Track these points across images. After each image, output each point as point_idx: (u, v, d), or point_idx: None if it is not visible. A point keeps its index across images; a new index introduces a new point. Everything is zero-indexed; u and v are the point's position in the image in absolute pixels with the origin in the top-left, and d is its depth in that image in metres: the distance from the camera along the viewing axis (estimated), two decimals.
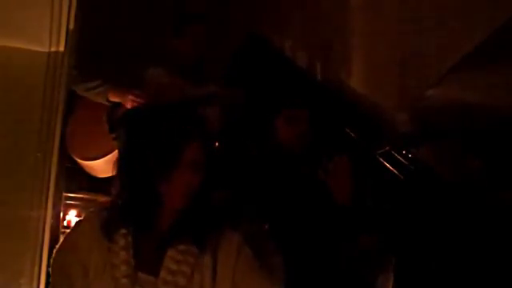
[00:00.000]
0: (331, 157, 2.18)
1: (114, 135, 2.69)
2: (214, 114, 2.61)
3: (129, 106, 2.58)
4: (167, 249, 1.40)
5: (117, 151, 2.72)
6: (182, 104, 2.51)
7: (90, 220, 1.46)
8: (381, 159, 2.64)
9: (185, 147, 1.39)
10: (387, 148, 2.61)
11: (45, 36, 1.67)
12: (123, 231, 1.41)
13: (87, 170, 2.99)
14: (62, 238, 1.68)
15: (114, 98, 2.64)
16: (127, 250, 1.39)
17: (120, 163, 1.48)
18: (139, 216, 1.41)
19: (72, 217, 3.11)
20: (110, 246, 1.40)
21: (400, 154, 2.62)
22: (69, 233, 1.48)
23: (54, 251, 1.46)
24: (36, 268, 1.64)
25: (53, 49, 1.68)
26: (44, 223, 1.67)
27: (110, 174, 2.95)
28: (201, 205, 1.43)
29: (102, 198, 3.08)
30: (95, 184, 3.07)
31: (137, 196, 1.40)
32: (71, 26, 1.69)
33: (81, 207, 3.15)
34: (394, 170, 2.62)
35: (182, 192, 1.40)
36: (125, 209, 1.42)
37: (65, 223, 3.05)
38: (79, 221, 1.50)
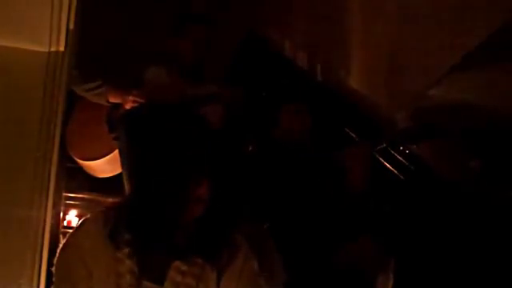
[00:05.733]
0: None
1: (114, 135, 2.70)
2: (215, 112, 2.61)
3: (128, 107, 2.58)
4: (174, 259, 1.38)
5: (117, 151, 2.74)
6: (182, 104, 2.52)
7: (96, 221, 1.43)
8: (380, 158, 2.64)
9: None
10: (384, 145, 2.62)
11: (45, 36, 1.67)
12: (128, 237, 1.38)
13: (87, 169, 2.99)
14: (62, 238, 1.67)
15: (114, 99, 2.64)
16: (132, 257, 1.37)
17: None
18: (149, 225, 1.37)
19: (72, 217, 3.12)
20: (115, 252, 1.38)
21: (398, 150, 2.62)
22: (73, 232, 1.45)
23: (58, 250, 1.43)
24: (36, 268, 1.64)
25: (53, 49, 1.68)
26: (44, 223, 1.67)
27: (110, 174, 2.97)
28: (212, 219, 1.41)
29: (102, 198, 3.08)
30: (95, 184, 3.08)
31: (149, 203, 1.37)
32: (71, 26, 1.69)
33: (81, 207, 3.15)
34: (394, 170, 2.62)
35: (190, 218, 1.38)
36: (134, 215, 1.39)
37: (65, 223, 3.05)
38: (84, 220, 1.46)
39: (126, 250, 1.38)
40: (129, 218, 1.39)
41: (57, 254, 1.43)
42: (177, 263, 1.38)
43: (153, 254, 1.39)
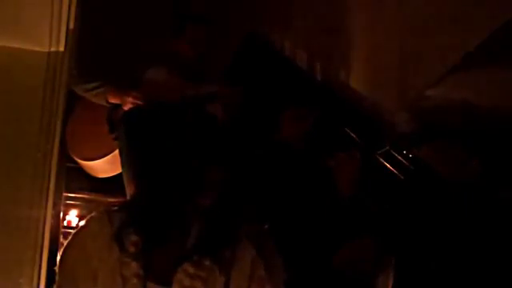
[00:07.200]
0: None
1: (114, 135, 2.70)
2: (215, 111, 2.61)
3: (126, 108, 2.58)
4: (182, 261, 1.36)
5: (117, 151, 2.74)
6: (182, 104, 2.53)
7: (100, 221, 1.40)
8: (380, 159, 2.65)
9: (207, 172, 1.36)
10: (387, 148, 2.62)
11: (45, 36, 1.66)
12: (135, 238, 1.36)
13: (87, 170, 3.00)
14: (62, 238, 1.66)
15: (114, 100, 2.64)
16: (138, 260, 1.34)
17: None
18: (156, 226, 1.36)
19: (72, 217, 3.12)
20: (120, 254, 1.35)
21: (400, 153, 2.62)
22: (77, 231, 1.42)
23: (62, 249, 1.41)
24: (36, 268, 1.64)
25: (53, 49, 1.68)
26: (44, 223, 1.66)
27: (110, 174, 2.98)
28: (220, 218, 1.40)
29: (103, 198, 3.09)
30: (95, 184, 3.08)
31: (157, 204, 1.36)
32: (71, 26, 1.69)
33: (81, 207, 3.15)
34: (394, 170, 2.62)
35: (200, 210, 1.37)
36: (144, 215, 1.37)
37: (65, 223, 3.06)
38: (89, 219, 1.43)
39: (132, 252, 1.35)
40: (138, 218, 1.38)
41: (61, 254, 1.41)
42: (185, 265, 1.36)
43: (162, 254, 1.38)
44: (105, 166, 2.92)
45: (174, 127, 1.42)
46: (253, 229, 1.52)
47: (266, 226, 2.12)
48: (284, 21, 3.44)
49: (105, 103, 2.66)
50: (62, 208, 2.55)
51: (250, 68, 3.36)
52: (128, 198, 2.32)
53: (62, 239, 1.85)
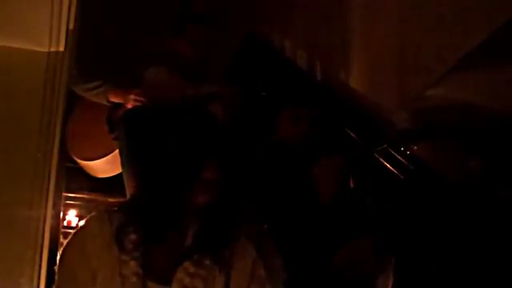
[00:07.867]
0: (328, 155, 2.25)
1: (114, 135, 2.70)
2: (215, 111, 2.61)
3: (130, 106, 2.58)
4: (182, 260, 1.37)
5: (117, 151, 2.74)
6: (182, 103, 2.53)
7: (100, 221, 1.40)
8: (380, 158, 2.65)
9: (204, 167, 1.36)
10: (385, 145, 2.62)
11: (45, 36, 1.66)
12: (134, 237, 1.37)
13: (87, 170, 3.00)
14: (62, 238, 1.66)
15: (114, 99, 2.64)
16: (137, 259, 1.35)
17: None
18: (156, 225, 1.37)
19: (72, 217, 3.12)
20: (119, 253, 1.35)
21: (398, 151, 2.63)
22: (77, 231, 1.43)
23: (62, 249, 1.41)
24: (36, 268, 1.64)
25: (53, 49, 1.68)
26: (44, 223, 1.66)
27: (110, 174, 2.98)
28: (220, 216, 1.40)
29: (102, 198, 3.09)
30: (95, 184, 3.08)
31: (157, 203, 1.37)
32: (71, 26, 1.69)
33: (81, 207, 3.15)
34: (394, 170, 2.62)
35: (198, 207, 1.37)
36: (140, 215, 1.38)
37: (65, 223, 3.06)
38: (88, 219, 1.43)
39: (132, 251, 1.36)
40: (138, 217, 1.38)
41: (60, 253, 1.41)
42: (185, 264, 1.36)
43: (162, 253, 1.38)
44: (105, 166, 2.92)
45: (173, 127, 1.42)
46: (253, 229, 1.52)
47: (266, 226, 2.12)
48: (284, 21, 3.44)
49: (105, 102, 2.66)
50: (62, 208, 2.55)
51: (249, 68, 3.36)
52: (128, 197, 2.32)
53: (62, 239, 1.84)
